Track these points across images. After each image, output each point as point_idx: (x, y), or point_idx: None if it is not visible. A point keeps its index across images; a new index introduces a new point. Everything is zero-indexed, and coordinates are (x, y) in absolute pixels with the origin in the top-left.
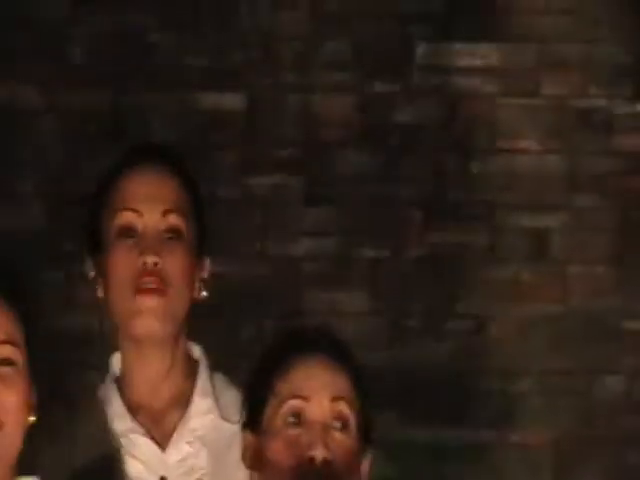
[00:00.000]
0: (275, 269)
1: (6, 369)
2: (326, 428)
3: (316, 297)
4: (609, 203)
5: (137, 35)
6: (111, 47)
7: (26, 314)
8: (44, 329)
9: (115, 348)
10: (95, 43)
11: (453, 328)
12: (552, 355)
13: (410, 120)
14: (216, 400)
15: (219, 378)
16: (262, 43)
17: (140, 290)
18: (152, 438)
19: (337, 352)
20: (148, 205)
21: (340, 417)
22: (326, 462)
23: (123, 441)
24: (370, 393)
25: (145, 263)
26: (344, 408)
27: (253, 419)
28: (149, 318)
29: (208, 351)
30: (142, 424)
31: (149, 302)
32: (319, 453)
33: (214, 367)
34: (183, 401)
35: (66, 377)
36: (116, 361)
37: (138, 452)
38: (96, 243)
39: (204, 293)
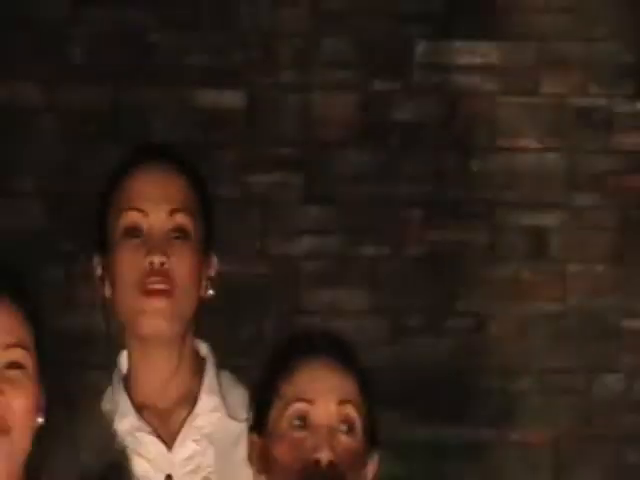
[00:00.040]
0: (275, 268)
1: (15, 372)
2: (332, 431)
3: (316, 296)
4: (609, 202)
5: (137, 34)
6: (111, 46)
7: (35, 315)
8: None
9: (121, 347)
10: (95, 42)
11: (453, 326)
12: (552, 353)
13: (410, 118)
14: (223, 398)
15: (226, 376)
16: (262, 42)
17: (147, 291)
18: (158, 436)
19: (343, 355)
20: (154, 205)
21: (346, 420)
22: (332, 464)
23: (129, 439)
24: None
25: (152, 263)
26: (351, 411)
27: (259, 421)
28: (156, 319)
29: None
30: (148, 422)
31: (156, 304)
32: (325, 456)
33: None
34: (190, 399)
35: (66, 377)
36: (123, 360)
37: (144, 450)
38: (103, 242)
39: (211, 291)
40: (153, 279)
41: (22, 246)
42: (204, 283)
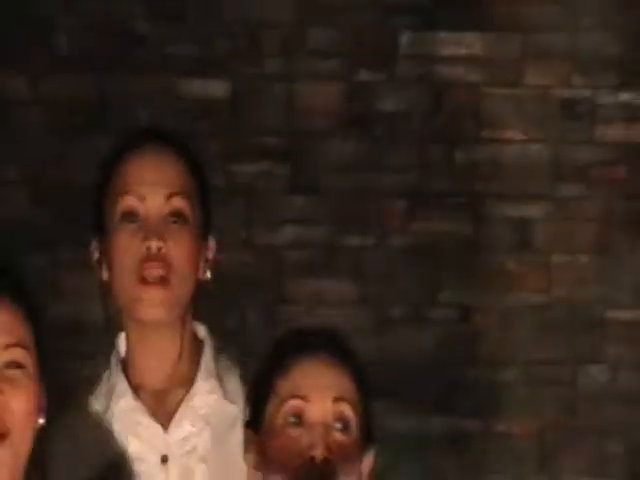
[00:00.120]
0: (260, 257)
1: (15, 372)
2: (327, 429)
3: (300, 285)
4: (593, 193)
5: (123, 25)
6: (97, 37)
7: (34, 314)
8: None
9: (119, 329)
10: (81, 33)
11: (438, 317)
12: (537, 344)
13: (395, 109)
14: (220, 381)
15: (224, 360)
16: (247, 32)
17: (144, 281)
18: (154, 417)
19: (339, 352)
20: (151, 189)
21: (341, 418)
22: (326, 462)
23: (125, 420)
24: None
25: (149, 248)
26: (346, 409)
27: (255, 417)
28: (153, 307)
29: None
30: (145, 403)
31: (153, 293)
32: (319, 453)
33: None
34: (187, 381)
35: (54, 366)
36: (121, 342)
37: (140, 430)
38: (100, 226)
39: (209, 274)
40: (150, 264)
41: (7, 235)
42: (202, 266)
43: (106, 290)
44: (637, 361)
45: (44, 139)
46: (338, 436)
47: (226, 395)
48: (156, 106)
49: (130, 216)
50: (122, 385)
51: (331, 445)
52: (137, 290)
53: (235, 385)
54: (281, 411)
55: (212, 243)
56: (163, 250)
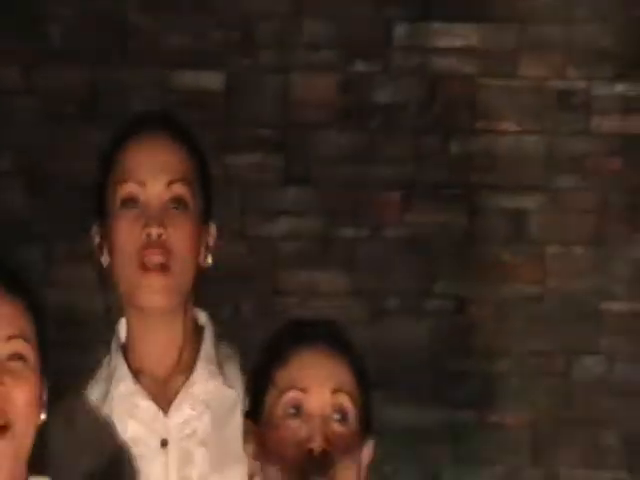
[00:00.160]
0: (253, 248)
1: (17, 364)
2: (325, 420)
3: (294, 277)
4: (588, 184)
5: (116, 15)
6: (90, 27)
7: (36, 307)
8: None
9: (120, 314)
10: (75, 23)
11: (432, 308)
12: (531, 336)
13: (390, 100)
14: (220, 367)
15: (224, 346)
16: (241, 23)
17: (145, 267)
18: (154, 401)
19: (338, 343)
20: (151, 176)
21: (340, 410)
22: (324, 454)
23: (125, 403)
24: None
25: (149, 235)
26: (344, 400)
27: (255, 408)
28: (154, 294)
29: None
30: (145, 388)
31: (153, 280)
32: (317, 445)
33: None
34: (187, 367)
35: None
36: (122, 327)
37: (140, 414)
38: (101, 211)
39: (210, 260)
40: (150, 251)
41: (1, 226)
42: (203, 252)
43: (106, 275)
44: (632, 352)
45: (37, 129)
46: (337, 427)
47: (226, 381)
48: (150, 98)
49: (131, 202)
50: (122, 369)
51: (329, 436)
52: (137, 277)
53: (235, 371)
54: (280, 403)
55: (213, 229)
56: (163, 237)
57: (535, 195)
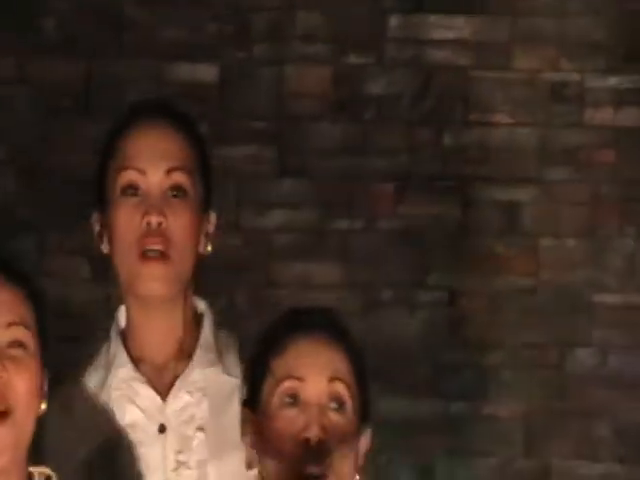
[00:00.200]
0: (248, 240)
1: (18, 351)
2: (322, 409)
3: (288, 269)
4: (581, 176)
5: (111, 7)
6: (85, 19)
7: (36, 296)
8: None
9: (120, 301)
10: (70, 15)
11: (425, 300)
12: (524, 328)
13: (383, 92)
14: (219, 355)
15: (223, 335)
16: (236, 15)
17: (144, 256)
18: (153, 387)
19: (335, 331)
20: (151, 164)
21: (336, 398)
22: (321, 443)
23: (124, 389)
24: None
25: (149, 223)
26: (341, 389)
27: (252, 397)
28: (153, 283)
29: None
30: (144, 374)
31: (152, 269)
32: (314, 434)
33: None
34: (186, 354)
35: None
36: (121, 314)
37: (138, 400)
38: (102, 198)
39: (209, 248)
40: (150, 240)
41: None
42: (203, 240)
43: (100, 267)
44: (624, 345)
45: (31, 122)
46: (333, 416)
47: (225, 369)
48: (144, 90)
49: (131, 189)
50: (122, 356)
51: (326, 425)
52: (137, 265)
53: (234, 360)
54: (277, 392)
55: (213, 217)
56: (163, 225)
57: (528, 187)
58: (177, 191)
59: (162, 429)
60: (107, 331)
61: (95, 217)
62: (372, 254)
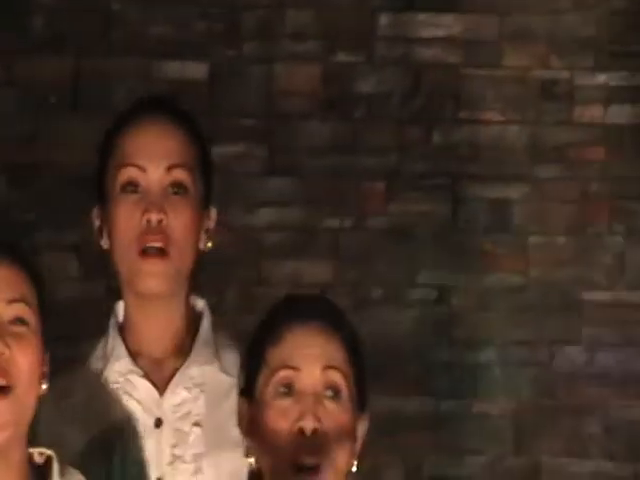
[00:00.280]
0: (237, 239)
1: (20, 328)
2: (317, 398)
3: (278, 267)
4: (570, 174)
5: (99, 4)
6: (73, 16)
7: (36, 275)
8: None
9: (119, 296)
10: (57, 13)
11: (415, 298)
12: (513, 325)
13: (373, 90)
14: (217, 352)
15: (221, 335)
16: (225, 13)
17: (144, 253)
18: (151, 381)
19: (331, 320)
20: (151, 161)
21: (332, 386)
22: (316, 432)
23: (121, 382)
24: None
25: (149, 221)
26: (336, 377)
27: (248, 386)
28: (152, 280)
29: None
30: (142, 368)
31: (152, 266)
32: (309, 424)
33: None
34: (184, 351)
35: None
36: (120, 309)
37: (136, 393)
38: (102, 194)
39: (209, 244)
40: (150, 237)
41: None
42: (203, 237)
43: (92, 265)
44: (613, 342)
45: (19, 120)
46: (329, 404)
47: (222, 367)
48: (133, 88)
49: (131, 186)
50: (120, 349)
51: (321, 414)
52: (137, 262)
53: (233, 360)
54: (272, 381)
55: (213, 213)
56: (164, 222)
57: (518, 185)
58: (177, 188)
59: (158, 423)
60: (97, 330)
61: (95, 212)
62: (362, 252)
